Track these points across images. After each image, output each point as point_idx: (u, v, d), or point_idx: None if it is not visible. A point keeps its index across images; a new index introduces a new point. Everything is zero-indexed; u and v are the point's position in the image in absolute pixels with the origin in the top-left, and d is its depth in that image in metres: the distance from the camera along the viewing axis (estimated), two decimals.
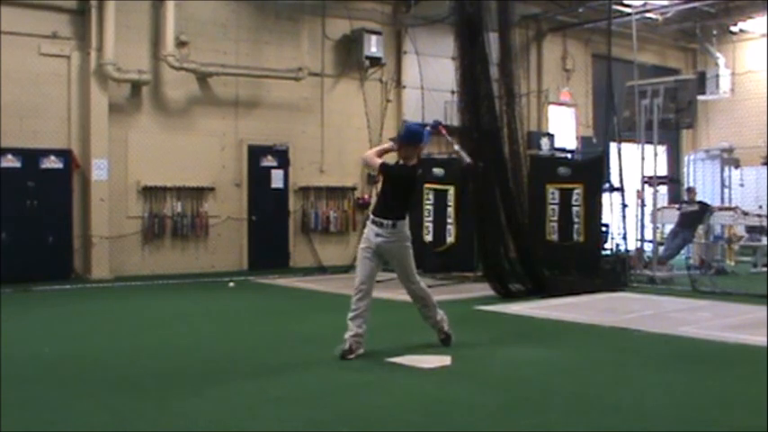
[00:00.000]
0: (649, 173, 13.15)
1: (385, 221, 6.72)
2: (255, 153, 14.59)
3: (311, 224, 15.19)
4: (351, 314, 6.68)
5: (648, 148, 12.97)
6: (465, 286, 11.82)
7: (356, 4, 15.48)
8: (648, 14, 17.42)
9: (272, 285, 12.46)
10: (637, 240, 13.58)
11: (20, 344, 7.34)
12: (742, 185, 16.86)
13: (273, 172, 14.78)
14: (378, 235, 6.73)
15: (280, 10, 14.86)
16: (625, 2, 16.22)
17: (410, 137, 6.87)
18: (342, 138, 15.65)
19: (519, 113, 11.48)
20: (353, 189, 15.78)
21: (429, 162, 12.74)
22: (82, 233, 12.93)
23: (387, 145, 7.20)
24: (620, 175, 12.46)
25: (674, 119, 13.02)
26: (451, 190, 13.14)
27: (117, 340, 7.69)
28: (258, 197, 14.61)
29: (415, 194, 7.89)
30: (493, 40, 11.11)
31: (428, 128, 7.30)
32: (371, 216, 6.88)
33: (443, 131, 7.38)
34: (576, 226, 12.63)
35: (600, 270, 12.16)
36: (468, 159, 7.42)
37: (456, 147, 7.42)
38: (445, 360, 6.54)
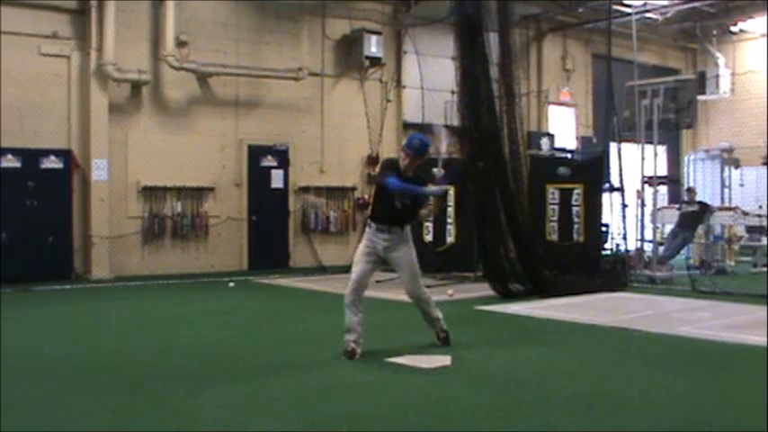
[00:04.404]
0: (649, 173, 13.15)
1: None
2: (255, 153, 14.59)
3: (311, 224, 15.19)
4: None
5: (648, 148, 12.97)
6: (465, 286, 11.80)
7: (356, 4, 15.47)
8: (648, 14, 17.42)
9: (272, 285, 12.46)
10: (637, 240, 13.58)
11: (20, 344, 7.34)
12: (742, 185, 16.86)
13: (273, 172, 14.78)
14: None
15: (280, 10, 14.86)
16: (625, 2, 16.22)
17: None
18: (342, 138, 15.64)
19: (519, 113, 11.46)
20: (353, 189, 15.77)
21: (429, 162, 12.68)
22: (82, 233, 12.93)
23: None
24: (620, 175, 12.47)
25: (674, 119, 13.01)
26: (451, 190, 13.12)
27: (117, 340, 7.69)
28: (258, 197, 14.61)
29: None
30: (493, 40, 11.10)
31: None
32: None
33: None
34: (576, 226, 12.63)
35: (600, 270, 12.17)
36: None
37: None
38: (445, 360, 6.54)
